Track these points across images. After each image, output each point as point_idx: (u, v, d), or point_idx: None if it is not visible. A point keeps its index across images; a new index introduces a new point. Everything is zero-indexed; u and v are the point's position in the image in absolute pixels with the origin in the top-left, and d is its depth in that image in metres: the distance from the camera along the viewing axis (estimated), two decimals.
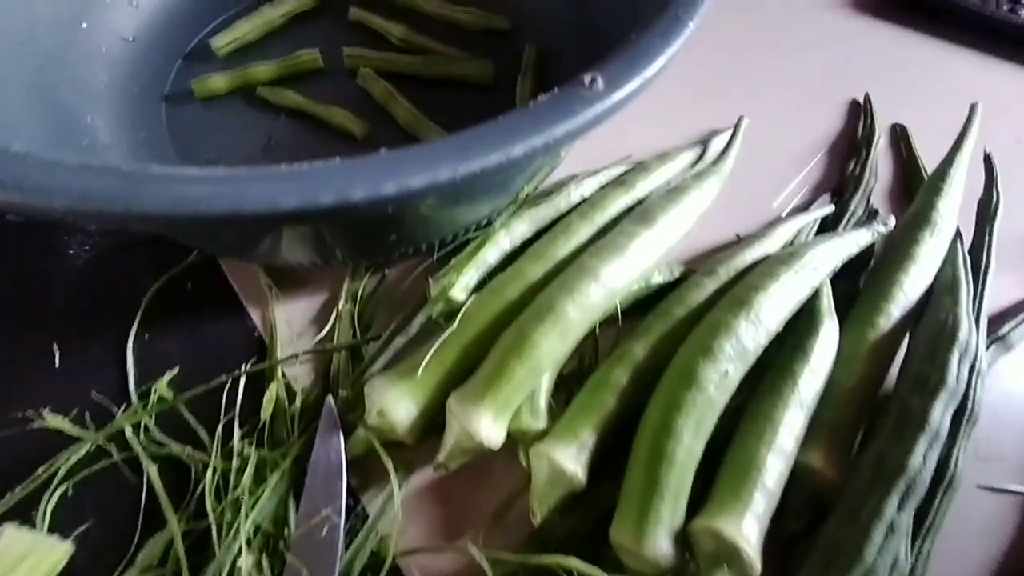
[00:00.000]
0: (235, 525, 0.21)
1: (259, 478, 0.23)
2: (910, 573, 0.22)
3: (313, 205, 0.14)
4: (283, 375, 0.26)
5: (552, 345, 0.23)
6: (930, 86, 0.41)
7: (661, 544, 0.20)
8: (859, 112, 0.40)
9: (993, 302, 0.30)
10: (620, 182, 0.31)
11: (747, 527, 0.20)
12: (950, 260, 0.29)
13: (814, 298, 0.27)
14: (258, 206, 0.14)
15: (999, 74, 0.43)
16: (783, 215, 0.34)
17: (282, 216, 0.14)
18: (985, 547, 0.25)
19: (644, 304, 0.28)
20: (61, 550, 0.12)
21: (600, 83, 0.17)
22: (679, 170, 0.33)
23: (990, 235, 0.30)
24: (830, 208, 0.32)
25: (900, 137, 0.38)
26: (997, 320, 0.30)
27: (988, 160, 0.32)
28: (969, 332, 0.25)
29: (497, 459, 0.24)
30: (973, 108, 0.34)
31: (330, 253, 0.25)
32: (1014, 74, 0.43)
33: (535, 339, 0.23)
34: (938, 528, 0.24)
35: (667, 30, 0.18)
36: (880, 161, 0.37)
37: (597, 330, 0.27)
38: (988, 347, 0.28)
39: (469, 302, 0.25)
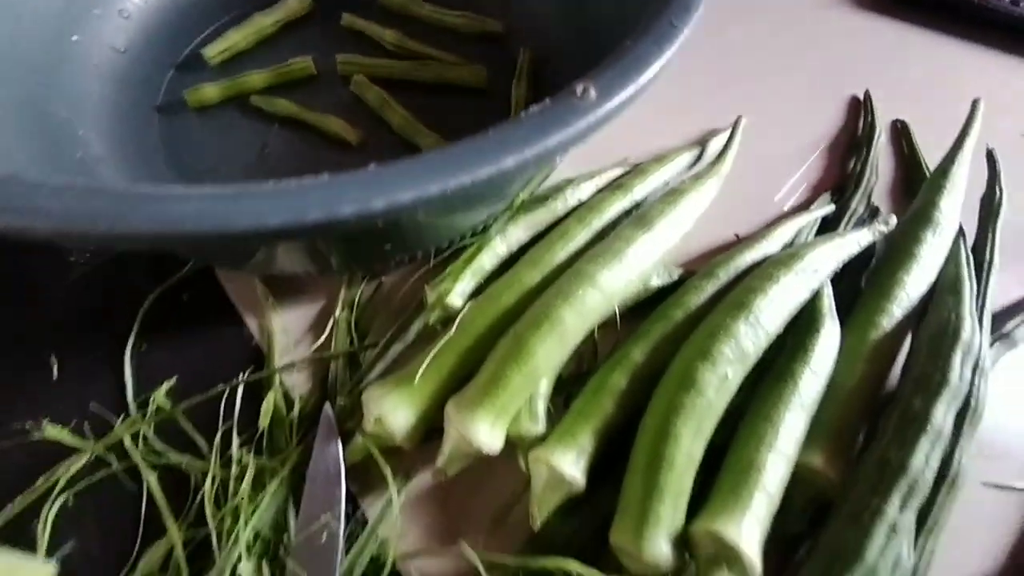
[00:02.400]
0: (235, 532, 0.21)
1: (258, 485, 0.23)
2: (913, 572, 0.22)
3: (300, 222, 0.14)
4: (281, 383, 0.26)
5: (549, 352, 0.23)
6: (931, 81, 0.41)
7: (660, 546, 0.20)
8: (859, 109, 0.39)
9: (996, 299, 0.30)
10: (617, 186, 0.31)
11: (747, 529, 0.20)
12: (953, 258, 0.28)
13: (815, 299, 0.27)
14: (246, 224, 0.14)
15: (1002, 68, 0.42)
16: (782, 214, 0.34)
17: (270, 233, 0.14)
18: (990, 544, 0.25)
19: (643, 307, 0.28)
20: (45, 571, 0.11)
21: (592, 93, 0.16)
22: (677, 172, 0.33)
23: (993, 232, 0.30)
24: (830, 207, 0.32)
25: (901, 133, 0.38)
26: (1001, 317, 0.30)
27: (991, 156, 0.31)
28: (972, 331, 0.25)
29: (497, 464, 0.24)
30: (975, 104, 0.34)
31: (326, 263, 0.25)
32: (1017, 67, 0.42)
33: (532, 346, 0.23)
34: (941, 527, 0.23)
35: (660, 37, 0.18)
36: (881, 158, 0.37)
37: (596, 333, 0.27)
38: (992, 344, 0.28)
39: (466, 308, 0.25)
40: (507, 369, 0.22)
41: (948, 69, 0.42)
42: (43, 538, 0.22)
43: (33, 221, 0.14)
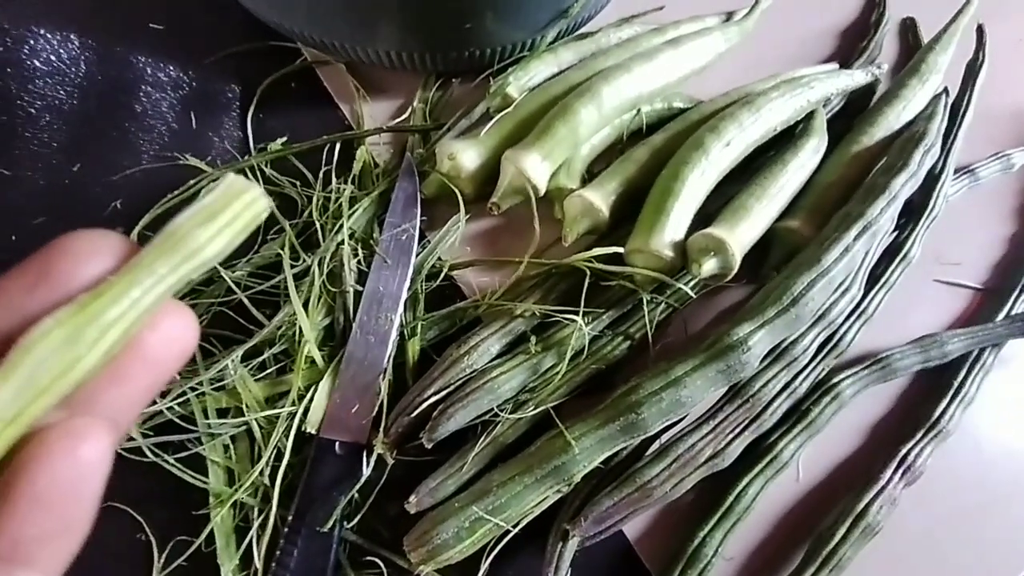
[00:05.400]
0: (337, 226, 0.28)
1: (353, 204, 0.29)
2: (859, 305, 0.28)
3: None
4: (368, 148, 0.32)
5: (589, 115, 0.29)
6: None
7: (664, 243, 0.26)
8: (875, 4, 0.44)
9: (969, 156, 0.35)
10: (655, 30, 0.36)
11: (735, 236, 0.25)
12: (933, 102, 0.33)
13: (810, 117, 0.32)
14: None
15: None
16: None
17: None
18: (930, 320, 0.31)
19: (665, 122, 0.34)
20: (267, 200, 0.14)
21: None
22: (706, 27, 0.38)
23: (972, 87, 0.34)
24: (835, 66, 0.37)
25: (909, 28, 0.43)
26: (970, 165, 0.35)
27: (980, 29, 0.36)
28: (936, 136, 0.30)
29: (540, 219, 0.30)
30: None
31: (411, 43, 0.31)
32: None
33: (575, 107, 0.29)
34: (891, 287, 0.29)
35: None
36: (888, 47, 0.41)
37: (624, 136, 0.33)
38: (959, 176, 0.33)
39: (522, 96, 0.31)
40: (555, 123, 0.28)
41: None
42: None
43: None
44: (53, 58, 0.35)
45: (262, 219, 0.14)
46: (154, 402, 0.23)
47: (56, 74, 0.34)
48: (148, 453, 0.23)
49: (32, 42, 0.35)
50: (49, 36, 0.36)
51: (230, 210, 0.14)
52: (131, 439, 0.23)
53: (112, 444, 0.11)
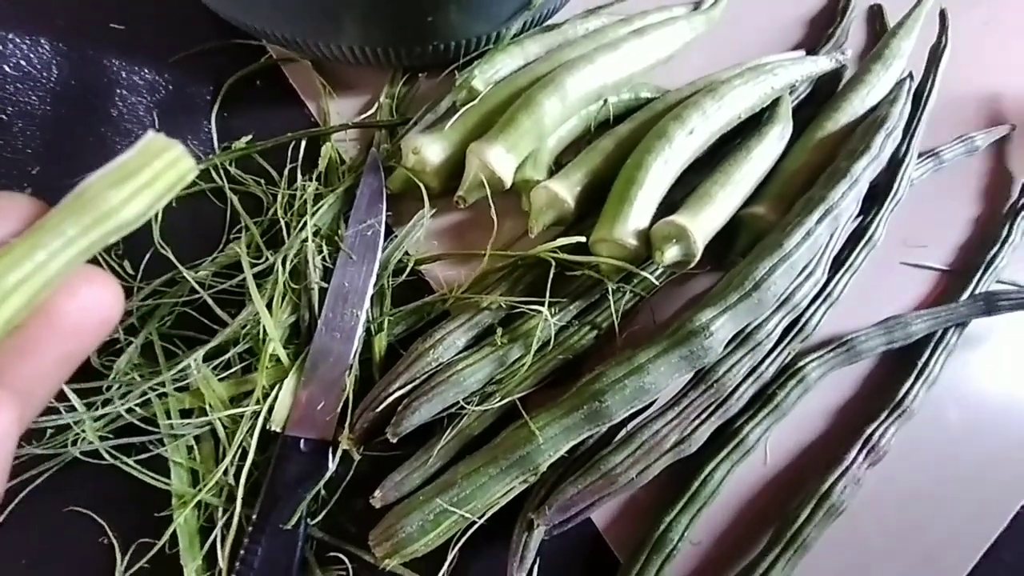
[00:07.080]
0: (301, 223, 0.28)
1: (318, 200, 0.29)
2: (825, 288, 0.28)
3: None
4: (334, 144, 0.32)
5: (552, 106, 0.29)
6: None
7: (628, 232, 0.26)
8: None
9: (934, 140, 0.35)
10: (622, 20, 0.36)
11: (697, 223, 0.25)
12: (896, 87, 0.34)
13: (775, 103, 0.32)
14: None
15: None
16: None
17: None
18: (896, 303, 0.31)
19: (633, 112, 0.34)
20: (192, 160, 0.13)
21: None
22: (674, 16, 0.38)
23: (935, 72, 0.35)
24: (801, 53, 0.37)
25: (876, 15, 0.43)
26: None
27: (942, 14, 0.36)
28: (898, 120, 0.30)
29: (505, 216, 0.30)
30: None
31: (375, 38, 0.31)
32: None
33: (539, 99, 0.29)
34: (856, 270, 0.29)
35: None
36: (856, 34, 0.42)
37: (592, 127, 0.33)
38: (924, 160, 0.34)
39: (488, 88, 0.31)
40: (519, 115, 0.28)
41: None
42: (156, 223, 0.28)
43: None
44: (23, 63, 0.35)
45: (188, 180, 0.13)
46: (112, 403, 0.23)
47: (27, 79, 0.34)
48: (107, 456, 0.23)
49: (1, 47, 0.35)
50: (18, 40, 0.35)
51: (149, 169, 0.13)
52: (89, 442, 0.23)
53: (20, 418, 0.10)
